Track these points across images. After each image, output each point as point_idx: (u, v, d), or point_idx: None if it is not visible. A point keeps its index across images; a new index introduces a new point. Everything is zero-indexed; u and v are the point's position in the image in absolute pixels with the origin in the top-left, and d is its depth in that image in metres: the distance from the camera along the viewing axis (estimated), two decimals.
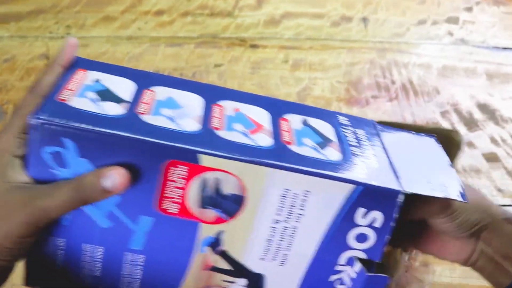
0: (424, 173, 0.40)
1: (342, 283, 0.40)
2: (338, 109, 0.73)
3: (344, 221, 0.38)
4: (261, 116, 0.41)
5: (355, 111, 0.73)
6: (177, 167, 0.35)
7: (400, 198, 0.37)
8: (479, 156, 0.69)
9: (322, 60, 0.79)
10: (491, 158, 0.69)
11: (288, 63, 0.78)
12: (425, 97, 0.75)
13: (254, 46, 0.79)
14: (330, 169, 0.37)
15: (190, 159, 0.35)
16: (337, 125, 0.43)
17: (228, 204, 0.37)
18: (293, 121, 0.41)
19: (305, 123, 0.41)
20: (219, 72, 0.76)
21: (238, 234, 0.38)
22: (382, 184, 0.37)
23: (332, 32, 0.83)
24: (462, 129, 0.71)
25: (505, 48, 0.82)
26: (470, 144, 0.70)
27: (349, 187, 0.37)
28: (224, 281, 0.40)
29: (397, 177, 0.38)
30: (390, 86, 0.76)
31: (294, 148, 0.38)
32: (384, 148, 0.42)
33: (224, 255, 0.39)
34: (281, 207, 0.37)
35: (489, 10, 0.87)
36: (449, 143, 0.48)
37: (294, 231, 0.38)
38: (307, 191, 0.37)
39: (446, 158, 0.43)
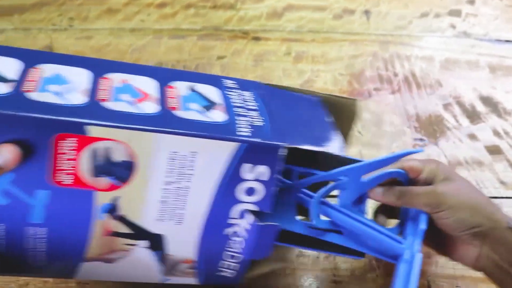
0: (306, 131, 0.44)
1: (237, 235, 0.43)
2: None
3: (232, 177, 0.40)
4: (149, 85, 0.42)
5: None
6: (66, 139, 0.36)
7: (282, 152, 0.40)
8: (481, 149, 0.67)
9: (324, 52, 0.77)
10: (494, 150, 0.67)
11: (291, 55, 0.76)
12: (428, 90, 0.73)
13: (256, 39, 0.78)
14: (214, 130, 0.39)
15: (77, 131, 0.36)
16: (223, 89, 0.45)
17: (119, 171, 0.38)
18: (180, 88, 0.43)
19: (192, 89, 0.43)
20: (221, 64, 0.74)
21: (133, 198, 0.39)
22: (264, 140, 0.39)
23: (334, 25, 0.81)
24: (464, 122, 0.70)
25: (507, 41, 0.80)
26: (473, 137, 0.68)
27: (233, 145, 0.39)
28: (126, 244, 0.42)
29: (278, 133, 0.41)
30: (393, 79, 0.74)
31: (179, 113, 0.39)
32: (269, 108, 0.44)
33: (123, 219, 0.40)
34: (171, 169, 0.39)
35: (491, 3, 0.85)
36: (347, 110, 0.50)
37: (187, 190, 0.40)
38: (194, 152, 0.38)
39: (329, 119, 0.47)
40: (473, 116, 0.70)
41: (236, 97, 0.44)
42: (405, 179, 0.48)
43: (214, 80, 0.46)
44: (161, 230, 0.42)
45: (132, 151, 0.38)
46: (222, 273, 0.45)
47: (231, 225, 0.42)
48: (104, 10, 0.80)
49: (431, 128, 0.69)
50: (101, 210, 0.39)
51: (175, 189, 0.40)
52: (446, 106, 0.71)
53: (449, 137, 0.68)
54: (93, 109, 0.37)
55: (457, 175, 0.48)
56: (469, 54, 0.78)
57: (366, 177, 0.47)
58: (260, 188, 0.41)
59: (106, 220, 0.40)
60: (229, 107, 0.42)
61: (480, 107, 0.71)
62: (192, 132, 0.38)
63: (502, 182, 0.64)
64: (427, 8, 0.83)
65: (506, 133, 0.69)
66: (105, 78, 0.41)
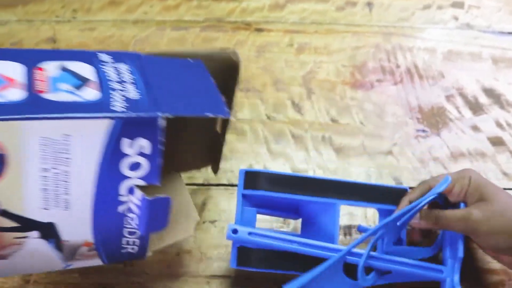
0: (188, 96, 0.43)
1: (131, 211, 0.41)
2: (343, 93, 0.69)
3: (113, 154, 0.38)
4: (14, 70, 0.39)
5: (360, 95, 0.69)
6: None
7: (161, 122, 0.38)
8: (484, 140, 0.65)
9: (327, 44, 0.75)
10: (497, 142, 0.65)
11: (293, 47, 0.74)
12: (430, 81, 0.71)
13: (259, 30, 0.76)
14: (86, 109, 0.37)
15: None
16: (97, 64, 0.42)
17: None
18: (50, 69, 0.40)
19: (63, 69, 0.41)
20: None
21: (11, 190, 0.37)
22: (139, 113, 0.38)
23: (336, 16, 0.79)
24: (467, 113, 0.68)
25: (510, 33, 0.78)
26: (475, 128, 0.66)
27: (107, 122, 0.37)
28: (16, 238, 0.40)
29: (156, 103, 0.39)
30: (395, 70, 0.72)
31: (47, 95, 0.37)
32: (147, 79, 0.42)
33: (6, 213, 0.38)
34: (45, 155, 0.36)
35: None
36: (229, 64, 0.48)
37: (67, 175, 0.38)
38: (66, 134, 0.36)
39: (211, 81, 0.45)
40: (475, 107, 0.69)
41: (111, 71, 0.42)
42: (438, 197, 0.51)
43: (88, 56, 0.43)
44: (50, 218, 0.40)
45: (0, 143, 0.35)
46: (125, 250, 0.44)
47: (123, 202, 0.41)
48: (107, 2, 0.79)
49: (434, 119, 0.67)
50: None
51: (54, 175, 0.37)
52: (449, 98, 0.69)
53: (451, 128, 0.66)
54: None
55: (491, 189, 0.48)
56: (472, 45, 0.76)
57: (400, 221, 0.49)
58: (144, 162, 0.39)
59: None
60: (103, 83, 0.40)
61: (483, 99, 0.69)
62: (60, 115, 0.36)
63: (505, 174, 0.62)
64: (429, 0, 0.81)
65: (509, 124, 0.67)
66: None
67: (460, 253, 0.50)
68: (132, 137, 0.38)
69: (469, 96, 0.70)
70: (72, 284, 0.51)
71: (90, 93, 0.39)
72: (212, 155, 0.54)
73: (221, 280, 0.52)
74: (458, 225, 0.48)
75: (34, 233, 0.40)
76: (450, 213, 0.48)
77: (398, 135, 0.65)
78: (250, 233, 0.48)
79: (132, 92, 0.40)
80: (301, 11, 0.79)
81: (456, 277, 0.49)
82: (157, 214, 0.41)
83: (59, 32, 0.75)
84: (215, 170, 0.55)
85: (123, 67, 0.43)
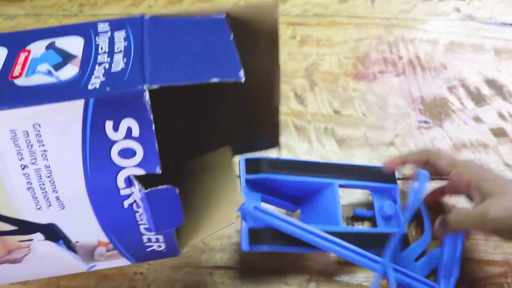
0: (193, 61, 0.34)
1: (138, 206, 0.34)
2: (346, 84, 0.67)
3: (95, 141, 0.31)
4: None
5: (362, 86, 0.67)
6: None
7: (146, 97, 0.30)
8: (486, 131, 0.63)
9: (329, 36, 0.73)
10: (499, 133, 0.63)
11: (296, 39, 0.72)
12: (432, 72, 0.69)
13: None
14: (56, 92, 0.31)
15: None
16: (91, 36, 0.35)
17: None
18: (36, 49, 0.35)
19: (49, 47, 0.35)
20: None
21: None
22: (118, 87, 0.31)
23: (339, 8, 0.77)
24: (469, 104, 0.65)
25: None
26: (478, 119, 0.64)
27: (79, 103, 0.30)
28: (20, 241, 0.35)
29: (143, 74, 0.31)
30: (397, 62, 0.70)
31: (19, 81, 0.32)
32: (143, 44, 0.34)
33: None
34: (19, 150, 0.31)
35: None
36: (264, 19, 0.39)
37: (49, 170, 0.32)
38: (36, 124, 0.30)
39: (230, 41, 0.35)
40: (478, 98, 0.66)
41: (104, 41, 0.35)
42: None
43: (85, 29, 0.36)
44: (48, 219, 0.35)
45: None
46: (151, 248, 0.38)
47: (125, 196, 0.34)
48: None
49: (436, 110, 0.65)
50: None
51: (35, 172, 0.32)
52: (451, 89, 0.67)
53: (454, 120, 0.64)
54: None
55: (500, 183, 0.45)
56: (474, 37, 0.74)
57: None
58: (136, 147, 0.32)
59: None
60: (88, 58, 0.33)
61: (485, 90, 0.67)
62: (23, 102, 0.30)
63: (507, 165, 0.60)
64: None
65: (511, 115, 0.65)
66: None
67: (456, 273, 0.49)
68: (115, 118, 0.31)
69: (471, 87, 0.67)
70: (75, 274, 0.49)
71: (69, 72, 0.32)
72: (268, 127, 0.46)
73: (223, 271, 0.50)
74: (475, 224, 0.44)
75: (38, 236, 0.36)
76: (462, 213, 0.46)
77: (400, 126, 0.63)
78: (255, 207, 0.47)
79: (118, 64, 0.33)
80: (303, 4, 0.77)
81: None
82: (164, 208, 0.34)
83: None
84: (275, 143, 0.48)
85: (120, 35, 0.35)
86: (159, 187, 0.33)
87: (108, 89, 0.31)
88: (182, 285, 0.49)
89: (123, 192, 0.34)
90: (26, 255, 0.37)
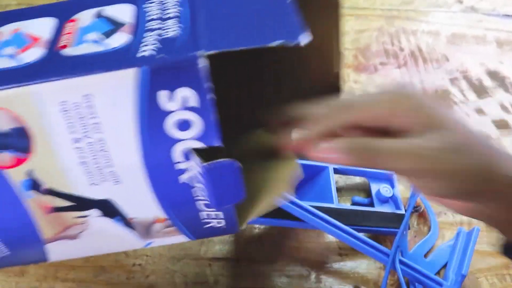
0: (249, 25, 0.31)
1: (197, 181, 0.33)
2: (347, 76, 0.68)
3: (150, 112, 0.30)
4: (44, 26, 0.34)
5: (363, 78, 0.67)
6: None
7: (202, 63, 0.28)
8: (489, 123, 0.63)
9: None
10: (501, 125, 0.63)
11: None
12: (434, 64, 0.69)
13: None
14: (106, 61, 0.29)
15: None
16: (140, 2, 0.34)
17: (14, 141, 0.31)
18: (83, 18, 0.34)
19: (98, 15, 0.34)
20: None
21: (47, 167, 0.32)
22: (171, 54, 0.29)
23: None
24: (471, 96, 0.66)
25: None
26: (480, 111, 0.65)
27: (132, 72, 0.29)
28: (76, 217, 0.35)
29: (196, 40, 0.30)
30: (399, 53, 0.70)
31: (67, 51, 0.31)
32: (198, 9, 0.33)
33: (53, 192, 0.34)
34: (70, 123, 0.30)
35: None
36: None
37: (102, 143, 0.31)
38: (87, 94, 0.29)
39: (288, 1, 0.33)
40: (480, 90, 0.67)
41: (155, 8, 0.34)
42: None
43: None
44: (104, 194, 0.34)
45: (15, 114, 0.30)
46: (209, 225, 0.37)
47: (182, 170, 0.33)
48: None
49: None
50: (23, 189, 0.33)
51: (88, 146, 0.31)
52: (453, 81, 0.68)
53: (456, 112, 0.64)
54: None
55: (449, 115, 0.33)
56: (476, 29, 0.74)
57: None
58: (193, 118, 0.30)
59: (36, 197, 0.34)
60: (138, 24, 0.32)
61: (487, 82, 0.68)
62: (74, 72, 0.29)
63: None
64: None
65: None
66: None
67: (465, 270, 0.49)
68: (170, 87, 0.29)
69: (474, 79, 0.68)
70: (73, 266, 0.50)
71: (120, 39, 0.31)
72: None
73: (223, 263, 0.51)
74: (404, 162, 0.31)
75: (95, 212, 0.35)
76: (390, 144, 0.31)
77: None
78: None
79: (172, 30, 0.31)
80: None
81: None
82: (225, 183, 0.32)
83: None
84: None
85: (172, 1, 0.34)
86: (220, 160, 0.31)
87: (161, 56, 0.29)
88: (181, 277, 0.49)
89: (180, 166, 0.33)
90: (82, 231, 0.36)
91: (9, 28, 0.34)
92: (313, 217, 0.47)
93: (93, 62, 0.30)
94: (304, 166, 0.53)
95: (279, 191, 0.37)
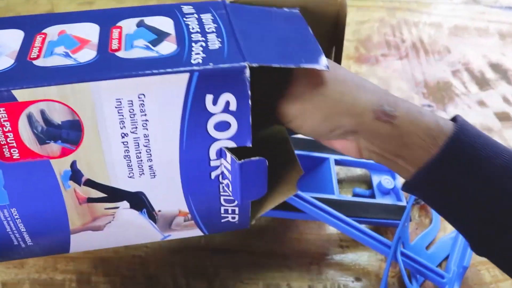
0: (279, 45, 0.36)
1: (224, 177, 0.37)
2: (348, 67, 0.68)
3: (195, 113, 0.34)
4: (90, 31, 0.36)
5: (364, 69, 0.68)
6: None
7: (247, 73, 0.33)
8: (491, 115, 0.64)
9: None
10: (503, 117, 0.64)
11: None
12: (436, 56, 0.70)
13: None
14: (160, 65, 0.33)
15: (4, 99, 0.31)
16: (178, 17, 0.38)
17: (66, 133, 0.33)
18: (127, 26, 0.37)
19: (140, 25, 0.37)
20: None
21: (92, 159, 0.35)
22: (220, 63, 0.33)
23: None
24: (473, 88, 0.66)
25: None
26: (482, 103, 0.65)
27: (184, 76, 0.32)
28: (106, 208, 0.38)
29: (241, 53, 0.34)
30: (400, 45, 0.71)
31: (121, 54, 0.34)
32: (232, 27, 0.37)
33: (91, 183, 0.36)
34: (121, 119, 0.33)
35: None
36: (330, 16, 0.41)
37: (147, 139, 0.35)
38: (141, 94, 0.33)
39: (309, 31, 0.38)
40: (482, 82, 0.67)
41: (193, 22, 0.37)
42: None
43: (169, 9, 0.39)
44: (137, 187, 0.37)
45: (71, 108, 0.33)
46: (225, 220, 0.41)
47: (214, 167, 0.37)
48: None
49: (440, 94, 0.66)
50: (63, 179, 0.35)
51: (134, 141, 0.34)
52: (455, 73, 0.68)
53: (457, 104, 0.65)
54: (20, 71, 0.33)
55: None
56: (478, 21, 0.75)
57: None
58: (231, 120, 0.35)
59: (74, 187, 0.36)
60: (182, 36, 0.36)
61: (490, 74, 0.68)
62: (132, 73, 0.32)
63: None
64: None
65: None
66: (41, 33, 0.36)
67: (467, 262, 0.49)
68: (215, 92, 0.33)
69: (476, 71, 0.68)
70: (72, 257, 0.50)
71: (167, 48, 0.35)
72: None
73: (223, 254, 0.51)
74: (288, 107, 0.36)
75: (124, 204, 0.38)
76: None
77: None
78: None
79: (213, 42, 0.35)
80: None
81: (456, 286, 0.48)
82: (253, 179, 0.36)
83: (57, 6, 0.74)
84: None
85: (205, 16, 0.38)
86: (253, 158, 0.35)
87: (211, 64, 0.33)
88: (181, 268, 0.50)
89: (213, 163, 0.36)
90: (109, 222, 0.39)
91: (54, 30, 0.36)
92: (314, 208, 0.48)
93: (149, 65, 0.33)
94: (305, 158, 0.54)
95: (288, 193, 0.41)
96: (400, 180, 0.55)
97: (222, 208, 0.40)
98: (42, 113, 0.32)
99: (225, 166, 0.36)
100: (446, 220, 0.37)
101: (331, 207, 0.49)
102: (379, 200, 0.54)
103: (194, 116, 0.34)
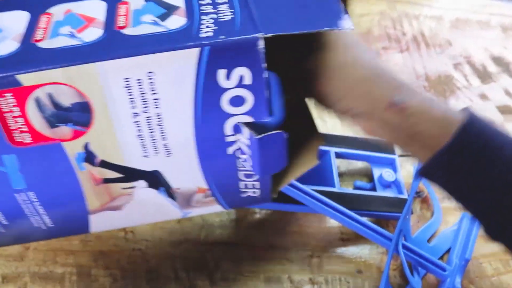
0: (296, 11, 0.35)
1: (242, 153, 0.37)
2: None
3: (208, 89, 0.33)
4: (96, 8, 0.36)
5: None
6: (3, 96, 0.32)
7: (260, 45, 0.31)
8: (492, 109, 0.64)
9: None
10: (505, 110, 0.64)
11: None
12: (437, 49, 0.70)
13: None
14: (168, 40, 0.32)
15: (10, 84, 0.31)
16: None
17: (76, 115, 0.33)
18: (135, 1, 0.36)
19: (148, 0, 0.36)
20: None
21: (104, 140, 0.35)
22: (232, 36, 0.32)
23: None
24: (475, 81, 0.67)
25: None
26: (484, 97, 0.65)
27: (194, 51, 0.31)
28: (124, 188, 0.38)
29: (254, 23, 0.32)
30: (401, 38, 0.71)
31: (128, 31, 0.33)
32: None
33: (106, 164, 0.36)
34: (131, 98, 0.33)
35: None
36: None
37: (160, 118, 0.34)
38: (150, 72, 0.32)
39: None
40: (484, 76, 0.68)
41: None
42: None
43: None
44: (153, 166, 0.37)
45: (79, 90, 0.32)
46: (246, 194, 0.40)
47: (231, 143, 0.36)
48: None
49: (441, 87, 0.66)
50: (78, 161, 0.36)
51: (146, 120, 0.34)
52: (456, 66, 0.69)
53: (459, 97, 0.65)
54: (25, 54, 0.32)
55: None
56: (480, 14, 0.75)
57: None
58: (247, 95, 0.34)
59: (89, 169, 0.36)
60: (191, 8, 0.35)
61: (491, 67, 0.69)
62: (139, 50, 0.31)
63: None
64: None
65: None
66: (46, 14, 0.36)
67: (469, 255, 0.50)
68: (228, 66, 0.32)
69: (477, 64, 0.69)
70: (72, 251, 0.50)
71: (176, 22, 0.34)
72: None
73: (223, 247, 0.51)
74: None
75: (141, 183, 0.38)
76: None
77: None
78: None
79: (224, 13, 0.34)
80: None
81: (458, 278, 0.49)
82: (272, 153, 0.36)
83: None
84: None
85: None
86: (271, 132, 0.34)
87: (222, 37, 0.31)
88: (182, 262, 0.50)
89: (229, 139, 0.36)
90: (127, 202, 0.39)
91: (60, 9, 0.36)
92: (315, 201, 0.48)
93: (157, 42, 0.32)
94: None
95: (309, 163, 0.41)
96: (403, 173, 0.56)
97: (242, 183, 0.39)
98: (50, 96, 0.32)
99: (242, 142, 0.36)
100: (459, 205, 0.37)
101: (332, 200, 0.49)
102: (380, 193, 0.54)
103: (207, 92, 0.33)
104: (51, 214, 0.38)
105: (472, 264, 0.51)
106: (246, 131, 0.35)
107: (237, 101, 0.34)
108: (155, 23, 0.34)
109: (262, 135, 0.34)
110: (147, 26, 0.33)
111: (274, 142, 0.35)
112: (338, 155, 0.56)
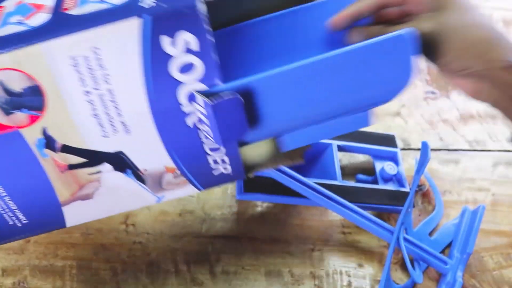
0: None
1: (201, 122, 0.36)
2: None
3: (155, 58, 0.33)
4: None
5: None
6: None
7: (201, 8, 0.32)
8: None
9: None
10: None
11: None
12: None
13: None
14: (110, 15, 0.32)
15: None
16: None
17: (28, 100, 0.34)
18: None
19: None
20: None
21: (61, 123, 0.35)
22: (172, 3, 0.32)
23: None
24: None
25: None
26: None
27: (135, 22, 0.32)
28: (90, 174, 0.38)
29: None
30: None
31: (73, 11, 0.34)
32: None
33: (67, 149, 0.36)
34: (81, 76, 0.33)
35: None
36: None
37: (112, 94, 0.34)
38: (95, 48, 0.32)
39: None
40: None
41: None
42: None
43: None
44: (115, 147, 0.37)
45: (28, 73, 0.33)
46: (217, 171, 0.40)
47: (188, 113, 0.36)
48: None
49: (443, 81, 0.66)
50: (38, 148, 0.36)
51: (99, 97, 0.34)
52: None
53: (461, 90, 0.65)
54: None
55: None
56: (482, 8, 0.75)
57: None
58: (195, 61, 0.34)
59: (51, 156, 0.36)
60: None
61: None
62: (80, 26, 0.32)
63: None
64: None
65: None
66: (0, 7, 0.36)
67: (470, 248, 0.50)
68: (171, 33, 0.32)
69: None
70: (72, 244, 0.51)
71: None
72: None
73: (224, 240, 0.52)
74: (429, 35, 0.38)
75: (107, 166, 0.38)
76: (402, 27, 0.37)
77: (406, 97, 0.64)
78: None
79: None
80: None
81: (460, 272, 0.49)
82: (230, 119, 0.35)
83: None
84: None
85: None
86: (224, 97, 0.34)
87: (164, 6, 0.32)
88: (183, 255, 0.50)
89: (186, 109, 0.36)
90: (97, 189, 0.39)
91: (12, 2, 0.36)
92: (316, 194, 0.49)
93: (99, 17, 0.32)
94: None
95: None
96: (404, 166, 0.56)
97: (210, 159, 0.39)
98: (1, 83, 0.33)
99: (199, 111, 0.36)
100: None
101: (333, 193, 0.49)
102: (382, 186, 0.54)
103: (155, 62, 0.33)
104: (23, 208, 0.38)
105: (474, 258, 0.51)
106: (200, 99, 0.35)
107: (186, 67, 0.34)
108: (101, 1, 0.34)
109: (216, 101, 0.34)
110: (93, 5, 0.34)
111: (231, 107, 0.34)
112: (340, 148, 0.56)
